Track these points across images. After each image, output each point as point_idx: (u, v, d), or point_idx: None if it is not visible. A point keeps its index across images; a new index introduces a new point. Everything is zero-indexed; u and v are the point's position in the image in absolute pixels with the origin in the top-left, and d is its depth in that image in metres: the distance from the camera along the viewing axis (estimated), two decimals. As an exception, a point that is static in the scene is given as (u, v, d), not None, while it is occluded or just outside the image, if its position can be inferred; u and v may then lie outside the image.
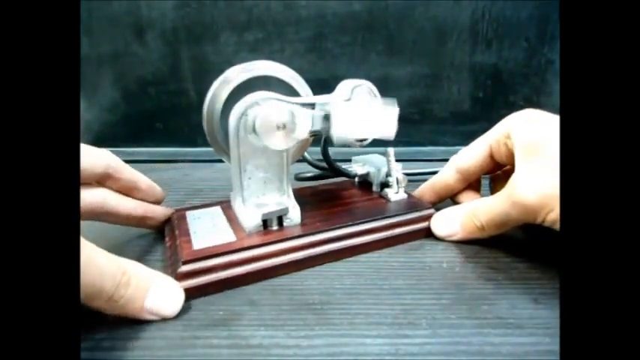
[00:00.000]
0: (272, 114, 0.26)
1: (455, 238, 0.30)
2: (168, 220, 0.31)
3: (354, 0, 0.51)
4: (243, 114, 0.26)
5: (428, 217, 0.32)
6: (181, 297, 0.23)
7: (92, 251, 0.19)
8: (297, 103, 0.28)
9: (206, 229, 0.29)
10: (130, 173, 0.30)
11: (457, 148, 0.53)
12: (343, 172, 0.37)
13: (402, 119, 0.34)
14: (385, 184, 0.36)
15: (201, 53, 0.54)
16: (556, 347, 0.20)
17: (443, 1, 0.51)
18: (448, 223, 0.31)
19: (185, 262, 0.25)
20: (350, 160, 0.38)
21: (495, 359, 0.20)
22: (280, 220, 0.29)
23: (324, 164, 0.36)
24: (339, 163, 0.36)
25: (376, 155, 0.39)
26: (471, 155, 0.32)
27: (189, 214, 0.31)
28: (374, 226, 0.30)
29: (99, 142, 0.58)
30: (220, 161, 0.41)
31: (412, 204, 0.34)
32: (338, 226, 0.29)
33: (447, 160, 0.46)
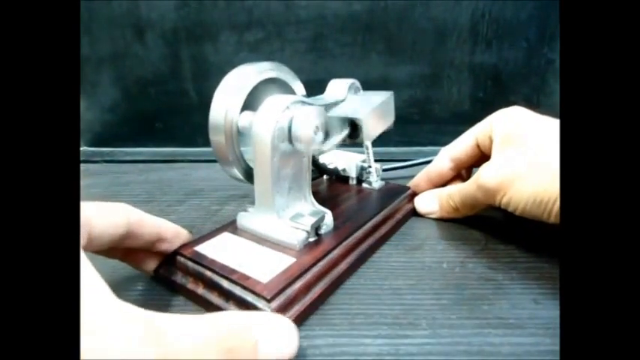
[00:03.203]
0: (310, 117, 0.25)
1: (434, 215, 0.35)
2: (173, 263, 0.26)
3: (354, 0, 0.51)
4: (277, 121, 0.25)
5: (411, 198, 0.36)
6: (293, 329, 0.19)
7: (180, 327, 0.16)
8: (319, 104, 0.27)
9: (247, 258, 0.25)
10: (152, 224, 0.25)
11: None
12: (329, 171, 0.39)
13: (402, 119, 0.34)
14: (359, 176, 0.38)
15: (201, 53, 0.54)
16: (556, 347, 0.20)
17: (443, 1, 0.51)
18: (429, 202, 0.35)
19: (271, 300, 0.21)
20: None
21: (495, 359, 0.20)
22: (317, 228, 0.28)
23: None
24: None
25: (337, 151, 0.41)
26: (461, 145, 0.35)
27: (203, 249, 0.26)
28: (387, 214, 0.32)
29: (99, 142, 0.59)
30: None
31: (394, 189, 0.37)
32: (365, 221, 0.30)
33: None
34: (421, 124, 0.57)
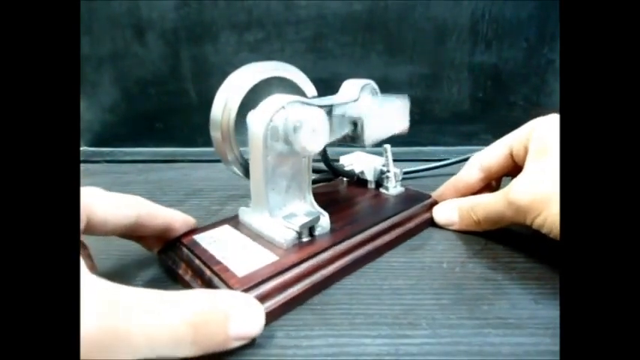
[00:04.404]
0: (305, 117, 0.24)
1: (453, 227, 0.32)
2: (172, 248, 0.28)
3: (354, 0, 0.51)
4: (271, 120, 0.25)
5: (430, 207, 0.34)
6: (261, 309, 0.20)
7: (149, 302, 0.17)
8: (319, 105, 0.27)
9: (235, 252, 0.26)
10: (163, 216, 0.27)
11: (457, 148, 0.53)
12: (344, 173, 0.37)
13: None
14: (379, 181, 0.37)
15: (201, 53, 0.54)
16: (556, 347, 0.20)
17: (443, 1, 0.51)
18: (448, 212, 0.32)
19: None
20: (337, 160, 0.39)
21: (495, 359, 0.20)
22: (311, 229, 0.27)
23: (318, 166, 0.36)
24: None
25: (360, 153, 0.40)
26: (493, 154, 0.32)
27: (200, 239, 0.27)
28: (396, 221, 0.31)
29: (99, 142, 0.59)
30: (220, 161, 0.40)
31: (412, 196, 0.35)
32: (366, 227, 0.29)
33: (447, 159, 0.47)
34: (421, 124, 0.57)
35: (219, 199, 0.41)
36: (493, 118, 0.57)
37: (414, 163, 0.47)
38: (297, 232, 0.26)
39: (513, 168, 0.31)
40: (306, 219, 0.27)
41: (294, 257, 0.25)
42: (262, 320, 0.20)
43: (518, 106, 0.56)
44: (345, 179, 0.39)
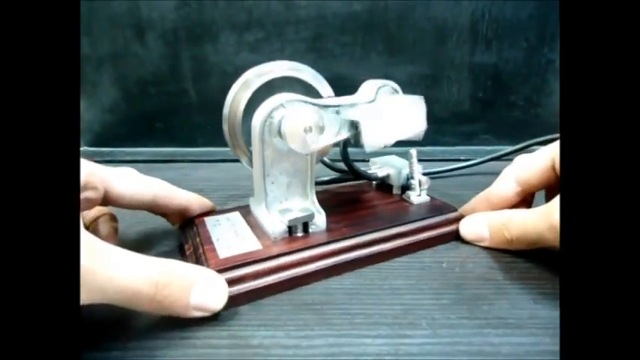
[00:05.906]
0: (300, 116, 0.25)
1: (483, 244, 0.29)
2: (187, 225, 0.30)
3: (354, 0, 0.51)
4: (268, 116, 0.25)
5: (454, 221, 0.31)
6: (225, 288, 0.22)
7: (123, 256, 0.19)
8: (322, 105, 0.27)
9: (229, 237, 0.27)
10: (180, 198, 0.30)
11: (457, 148, 0.53)
12: (364, 175, 0.36)
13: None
14: (406, 187, 0.35)
15: (201, 53, 0.54)
16: (556, 347, 0.20)
17: (443, 1, 0.51)
18: (478, 227, 0.30)
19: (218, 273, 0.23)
20: (367, 161, 0.38)
21: (495, 359, 0.20)
22: (306, 226, 0.28)
23: (340, 166, 0.35)
24: (357, 165, 0.35)
25: (394, 156, 0.38)
26: (533, 166, 0.29)
27: (208, 220, 0.30)
28: (401, 231, 0.29)
29: (99, 142, 0.59)
30: (221, 161, 0.41)
31: (436, 207, 0.33)
32: (365, 231, 0.28)
33: (447, 160, 0.47)
34: (421, 124, 0.57)
35: (219, 199, 0.40)
36: (493, 118, 0.57)
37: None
38: (287, 226, 0.27)
39: (555, 181, 0.28)
40: (298, 215, 0.27)
41: (275, 249, 0.26)
42: (224, 298, 0.22)
43: (518, 106, 0.56)
44: (374, 182, 0.38)
